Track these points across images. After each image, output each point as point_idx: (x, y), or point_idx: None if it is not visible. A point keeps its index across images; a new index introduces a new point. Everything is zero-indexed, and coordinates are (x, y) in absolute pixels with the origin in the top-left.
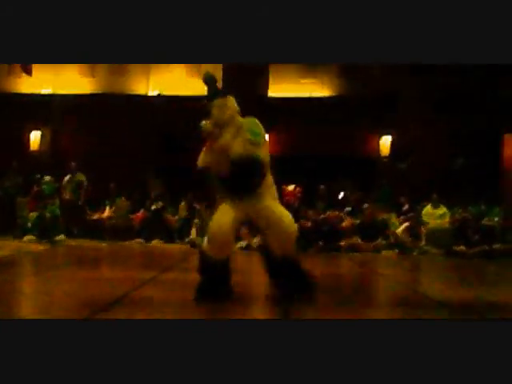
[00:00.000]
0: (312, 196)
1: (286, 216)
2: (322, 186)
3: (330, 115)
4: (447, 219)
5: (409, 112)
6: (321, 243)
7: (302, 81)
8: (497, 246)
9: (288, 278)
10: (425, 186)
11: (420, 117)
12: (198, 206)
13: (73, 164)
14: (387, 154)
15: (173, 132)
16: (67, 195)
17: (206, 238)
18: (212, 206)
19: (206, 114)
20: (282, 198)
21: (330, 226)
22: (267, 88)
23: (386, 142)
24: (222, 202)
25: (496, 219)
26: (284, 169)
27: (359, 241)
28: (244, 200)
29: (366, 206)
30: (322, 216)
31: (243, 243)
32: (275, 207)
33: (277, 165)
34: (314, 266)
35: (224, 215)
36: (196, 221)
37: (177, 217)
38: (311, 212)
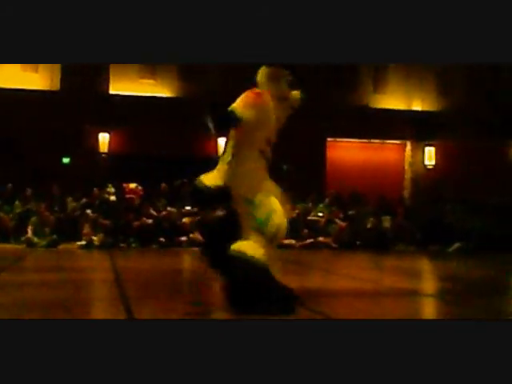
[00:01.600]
0: (154, 194)
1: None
2: (163, 185)
3: (169, 116)
4: None
5: None
6: (162, 239)
7: (142, 81)
8: (321, 238)
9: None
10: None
11: None
12: (34, 205)
13: None
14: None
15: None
16: None
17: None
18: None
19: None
20: (124, 195)
21: (170, 222)
22: (108, 86)
23: (223, 143)
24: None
25: (320, 214)
26: (126, 167)
27: (199, 236)
28: None
29: None
30: (164, 213)
31: (83, 242)
32: None
33: (119, 163)
34: (156, 261)
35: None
36: (33, 219)
37: (11, 215)
38: (153, 209)
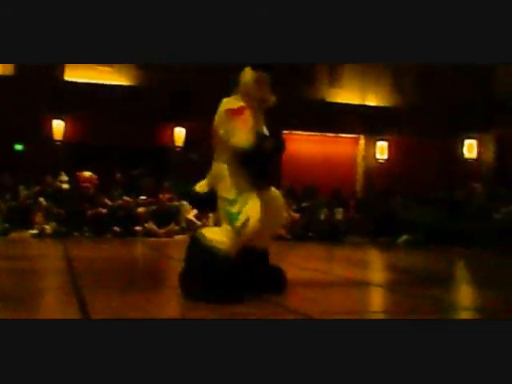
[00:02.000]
0: (108, 183)
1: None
2: (118, 174)
3: (125, 104)
4: None
5: (201, 106)
6: (117, 229)
7: (99, 68)
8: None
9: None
10: None
11: (211, 112)
12: None
13: None
14: (181, 145)
15: None
16: None
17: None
18: None
19: None
20: (78, 184)
21: (126, 211)
22: (63, 72)
23: (179, 133)
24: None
25: None
26: (80, 155)
27: (154, 226)
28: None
29: (160, 193)
30: (119, 202)
31: (35, 230)
32: None
33: (73, 151)
34: (110, 250)
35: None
36: None
37: None
38: (107, 199)
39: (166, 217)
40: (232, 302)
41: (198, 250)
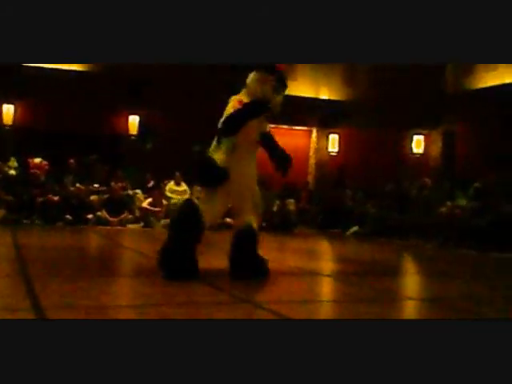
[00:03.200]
0: (60, 170)
1: None
2: (71, 161)
3: (78, 90)
4: (187, 195)
5: (156, 96)
6: (69, 216)
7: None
8: (228, 219)
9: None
10: (168, 165)
11: (167, 101)
12: None
13: None
14: (135, 133)
15: None
16: None
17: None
18: None
19: None
20: (28, 170)
21: (78, 199)
22: None
23: (134, 121)
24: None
25: None
26: (31, 141)
27: (106, 215)
28: None
29: (113, 181)
30: (71, 189)
31: None
32: None
33: (23, 136)
34: (61, 238)
35: None
36: None
37: None
38: (59, 185)
39: (119, 205)
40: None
41: (251, 237)
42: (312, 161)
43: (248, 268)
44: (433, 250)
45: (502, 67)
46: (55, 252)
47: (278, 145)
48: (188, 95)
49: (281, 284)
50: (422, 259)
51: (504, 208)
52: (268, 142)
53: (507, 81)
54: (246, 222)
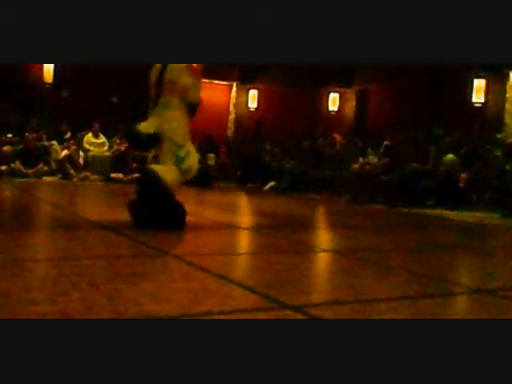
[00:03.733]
0: None
1: None
2: None
3: None
4: (106, 148)
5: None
6: None
7: None
8: None
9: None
10: (87, 115)
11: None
12: None
13: None
14: (51, 82)
15: None
16: None
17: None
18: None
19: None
20: None
21: None
22: None
23: (48, 69)
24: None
25: None
26: None
27: (21, 166)
28: None
29: (27, 132)
30: None
31: None
32: None
33: None
34: None
35: None
36: None
37: None
38: None
39: (34, 157)
40: (175, 229)
41: (151, 183)
42: (232, 116)
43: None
44: (344, 205)
45: None
46: None
47: None
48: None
49: (200, 237)
50: (334, 213)
51: (409, 165)
52: None
53: None
54: (153, 167)
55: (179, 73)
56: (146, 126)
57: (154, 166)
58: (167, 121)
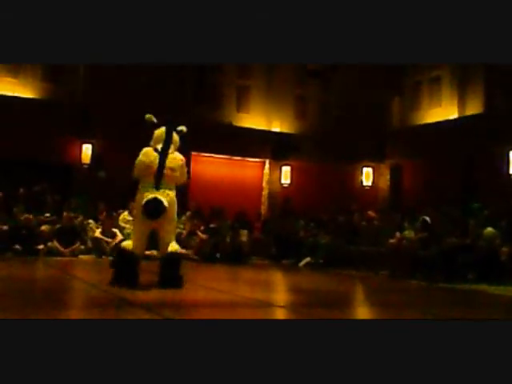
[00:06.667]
0: (10, 199)
1: None
2: (21, 190)
3: (30, 117)
4: None
5: (107, 124)
6: (18, 247)
7: (3, 79)
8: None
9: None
10: (125, 194)
11: (115, 129)
12: None
13: None
14: (87, 162)
15: None
16: None
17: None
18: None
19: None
20: None
21: (29, 229)
22: None
23: (86, 150)
24: None
25: (182, 227)
26: None
27: (57, 245)
28: None
29: (65, 211)
30: (21, 219)
31: None
32: None
33: None
34: (10, 269)
35: None
36: None
37: None
38: (9, 215)
39: (71, 235)
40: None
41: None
42: (265, 192)
43: (173, 282)
44: (382, 281)
45: (445, 103)
46: (3, 283)
47: None
48: (136, 124)
49: (232, 315)
50: (372, 290)
51: (447, 240)
52: None
53: (451, 116)
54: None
55: (177, 164)
56: (164, 199)
57: (175, 248)
58: (167, 199)
